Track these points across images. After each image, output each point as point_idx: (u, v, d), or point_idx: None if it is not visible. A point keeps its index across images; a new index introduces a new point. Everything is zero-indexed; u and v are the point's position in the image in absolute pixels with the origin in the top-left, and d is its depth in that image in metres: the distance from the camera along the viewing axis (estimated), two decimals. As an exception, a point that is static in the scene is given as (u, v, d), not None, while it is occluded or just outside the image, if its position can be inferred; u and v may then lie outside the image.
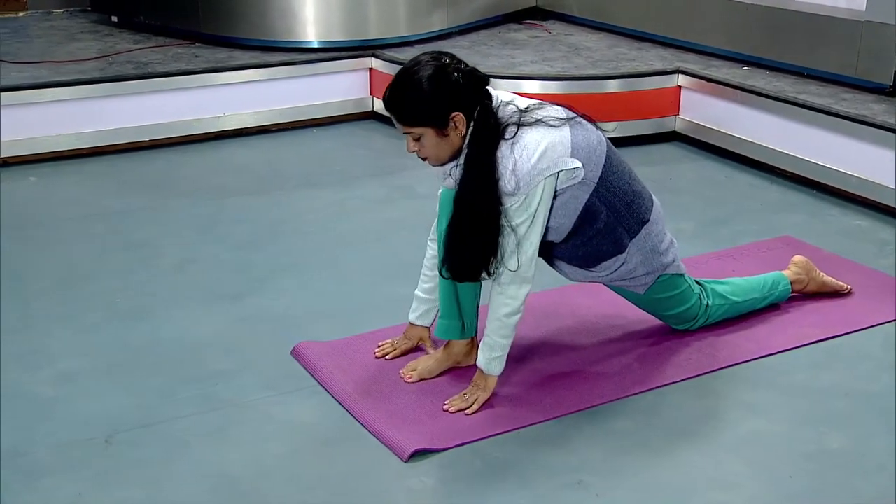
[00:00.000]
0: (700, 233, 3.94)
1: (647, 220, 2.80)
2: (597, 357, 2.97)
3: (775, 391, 2.81)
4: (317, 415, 2.70)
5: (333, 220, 4.06)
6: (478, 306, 2.85)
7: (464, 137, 2.57)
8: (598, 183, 2.66)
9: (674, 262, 2.90)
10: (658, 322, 3.09)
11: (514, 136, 2.55)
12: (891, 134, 4.05)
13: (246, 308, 3.29)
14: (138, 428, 2.62)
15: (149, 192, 4.38)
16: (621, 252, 2.78)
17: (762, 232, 3.92)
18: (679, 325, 3.06)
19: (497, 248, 2.58)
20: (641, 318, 3.10)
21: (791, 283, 3.23)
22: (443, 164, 2.66)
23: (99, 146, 4.82)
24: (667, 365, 2.92)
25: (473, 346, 2.87)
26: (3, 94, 4.62)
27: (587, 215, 2.69)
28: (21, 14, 6.56)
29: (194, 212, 4.14)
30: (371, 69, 5.39)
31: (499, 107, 2.60)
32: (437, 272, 2.80)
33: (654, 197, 2.87)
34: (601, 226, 2.71)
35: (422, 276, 2.91)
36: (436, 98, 2.52)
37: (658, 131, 5.05)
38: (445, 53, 2.61)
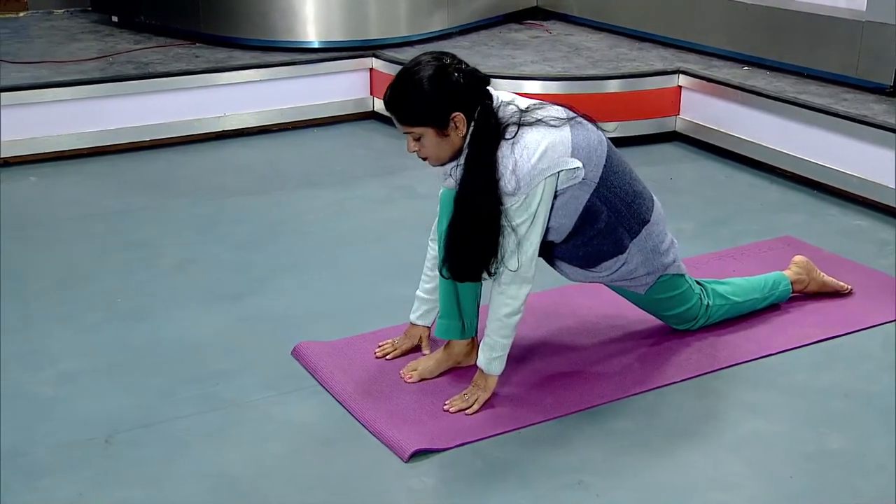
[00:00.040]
0: (700, 233, 3.94)
1: (648, 221, 2.80)
2: (597, 357, 2.97)
3: (776, 391, 2.81)
4: (317, 415, 2.70)
5: (334, 220, 4.06)
6: (478, 306, 2.85)
7: (464, 138, 2.57)
8: (598, 183, 2.66)
9: (674, 262, 2.90)
10: (658, 322, 3.09)
11: (514, 136, 2.55)
12: (891, 134, 4.05)
13: (246, 308, 3.29)
14: (138, 428, 2.62)
15: (149, 192, 4.38)
16: (622, 252, 2.78)
17: (762, 232, 3.92)
18: (680, 325, 3.06)
19: (497, 248, 2.58)
20: (642, 319, 3.10)
21: (791, 284, 3.23)
22: (443, 165, 2.66)
23: (99, 146, 4.83)
24: (667, 365, 2.92)
25: (474, 346, 2.87)
26: (3, 94, 4.62)
27: (588, 215, 2.69)
28: (21, 14, 6.56)
29: (195, 212, 4.14)
30: (371, 69, 5.39)
31: (499, 107, 2.60)
32: (437, 272, 2.79)
33: (654, 197, 2.87)
34: (602, 226, 2.71)
35: (423, 277, 2.91)
36: (436, 98, 2.52)
37: (658, 131, 5.05)
38: (446, 53, 2.61)
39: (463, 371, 2.85)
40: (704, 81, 4.88)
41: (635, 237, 2.78)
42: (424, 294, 2.91)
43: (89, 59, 5.23)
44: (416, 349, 2.96)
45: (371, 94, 5.41)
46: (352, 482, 2.41)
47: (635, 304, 3.00)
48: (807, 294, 3.29)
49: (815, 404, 2.75)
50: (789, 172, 4.51)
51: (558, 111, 2.64)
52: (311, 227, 3.99)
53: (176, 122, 4.98)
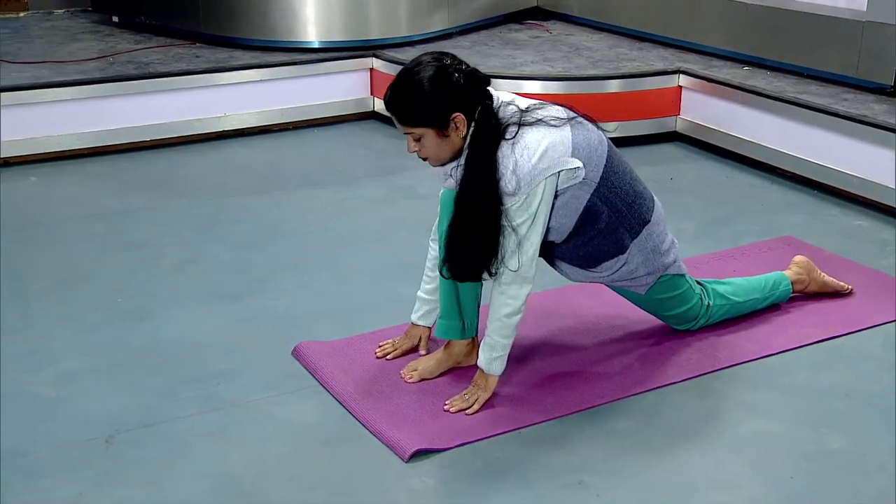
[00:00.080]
0: (701, 233, 3.94)
1: (649, 221, 2.80)
2: (598, 357, 2.97)
3: (776, 391, 2.81)
4: (318, 415, 2.70)
5: (334, 221, 4.06)
6: (478, 306, 2.85)
7: (464, 138, 2.57)
8: (599, 183, 2.66)
9: (675, 262, 2.90)
10: (659, 322, 3.09)
11: (514, 136, 2.55)
12: (891, 134, 4.05)
13: (246, 308, 3.29)
14: (139, 428, 2.62)
15: (149, 192, 4.38)
16: (622, 252, 2.78)
17: (763, 232, 3.92)
18: (680, 325, 3.06)
19: (498, 248, 2.58)
20: (642, 319, 3.10)
21: (792, 284, 3.23)
22: (443, 165, 2.66)
23: (100, 146, 4.83)
24: (668, 365, 2.92)
25: (474, 346, 2.87)
26: (4, 94, 4.62)
27: (588, 215, 2.69)
28: (22, 14, 6.56)
29: (195, 212, 4.14)
30: (372, 69, 5.39)
31: (499, 107, 2.59)
32: (438, 273, 2.79)
33: (655, 197, 2.87)
34: (602, 226, 2.71)
35: (424, 277, 2.91)
36: (437, 99, 2.52)
37: (659, 131, 5.05)
38: (446, 54, 2.60)
39: (463, 371, 2.85)
40: (705, 81, 4.88)
41: (636, 237, 2.78)
42: (426, 295, 2.91)
43: (90, 59, 5.23)
44: (417, 349, 2.96)
45: (371, 94, 5.41)
46: (352, 482, 2.41)
47: (636, 304, 2.99)
48: (807, 294, 3.29)
49: (815, 404, 2.75)
50: (790, 172, 4.51)
51: (559, 111, 2.64)
52: (312, 227, 3.99)
53: (176, 122, 4.98)
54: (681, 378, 2.86)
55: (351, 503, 2.35)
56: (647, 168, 4.09)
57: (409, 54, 5.09)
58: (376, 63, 5.35)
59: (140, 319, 3.21)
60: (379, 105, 5.32)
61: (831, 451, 2.54)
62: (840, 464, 2.49)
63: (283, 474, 2.44)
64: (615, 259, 2.79)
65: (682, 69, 5.02)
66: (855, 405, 2.74)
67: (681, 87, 5.01)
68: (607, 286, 2.96)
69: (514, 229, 2.56)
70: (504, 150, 2.54)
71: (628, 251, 2.78)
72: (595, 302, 3.24)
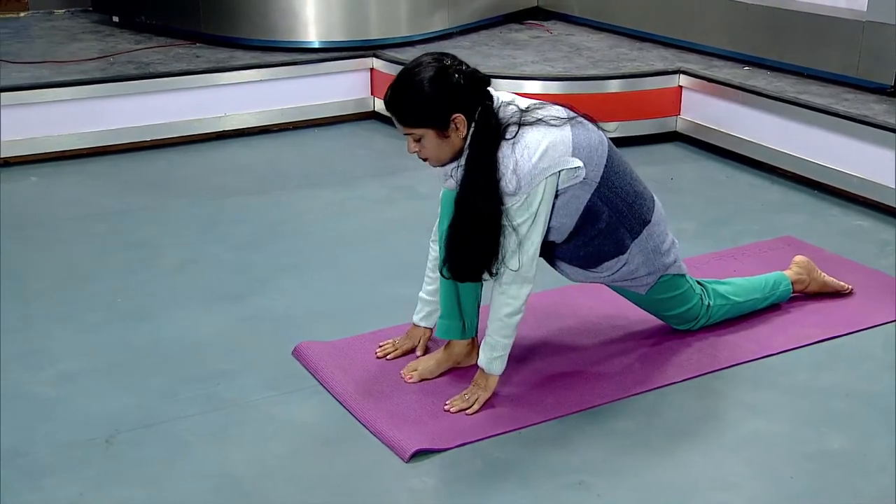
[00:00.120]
0: (701, 233, 3.94)
1: (649, 221, 2.80)
2: (598, 357, 2.97)
3: (776, 391, 2.81)
4: (318, 415, 2.70)
5: (334, 221, 4.06)
6: (479, 306, 2.85)
7: (465, 138, 2.57)
8: (599, 183, 2.66)
9: (675, 262, 2.90)
10: (659, 322, 3.09)
11: (515, 136, 2.54)
12: (892, 134, 4.05)
13: (247, 308, 3.29)
14: (139, 428, 2.62)
15: (150, 192, 4.38)
16: (623, 252, 2.78)
17: (763, 232, 3.92)
18: (680, 325, 3.06)
19: (498, 248, 2.57)
20: (642, 319, 3.10)
21: (792, 284, 3.23)
22: (444, 165, 2.66)
23: (100, 146, 4.82)
24: (668, 365, 2.92)
25: (474, 346, 2.87)
26: (4, 94, 4.62)
27: (589, 215, 2.69)
28: (22, 14, 6.56)
29: (195, 212, 4.14)
30: (372, 69, 5.39)
31: (500, 107, 2.59)
32: (439, 273, 2.79)
33: (655, 197, 2.87)
34: (603, 226, 2.71)
35: (425, 278, 2.91)
36: (437, 99, 2.52)
37: (659, 131, 5.05)
38: (447, 54, 2.60)
39: (463, 371, 2.85)
40: (705, 81, 4.88)
41: (636, 237, 2.78)
42: (427, 296, 2.91)
43: (90, 59, 5.23)
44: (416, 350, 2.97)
45: (372, 94, 5.41)
46: (353, 482, 2.41)
47: (636, 304, 2.99)
48: (807, 294, 3.29)
49: (815, 404, 2.75)
50: (790, 172, 4.51)
51: (559, 111, 2.64)
52: (312, 227, 3.99)
53: (176, 122, 4.98)
54: (681, 378, 2.86)
55: (351, 503, 2.35)
56: (647, 168, 4.09)
57: (409, 54, 5.09)
58: (376, 63, 5.35)
59: (140, 319, 3.21)
60: (379, 105, 5.32)
61: (831, 451, 2.54)
62: (840, 464, 2.49)
63: (284, 474, 2.44)
64: (616, 259, 2.79)
65: (682, 69, 5.02)
66: (855, 405, 2.74)
67: (681, 87, 5.01)
68: (608, 286, 2.96)
69: (514, 229, 2.56)
70: (504, 150, 2.54)
71: (629, 251, 2.78)
72: (595, 302, 3.24)
